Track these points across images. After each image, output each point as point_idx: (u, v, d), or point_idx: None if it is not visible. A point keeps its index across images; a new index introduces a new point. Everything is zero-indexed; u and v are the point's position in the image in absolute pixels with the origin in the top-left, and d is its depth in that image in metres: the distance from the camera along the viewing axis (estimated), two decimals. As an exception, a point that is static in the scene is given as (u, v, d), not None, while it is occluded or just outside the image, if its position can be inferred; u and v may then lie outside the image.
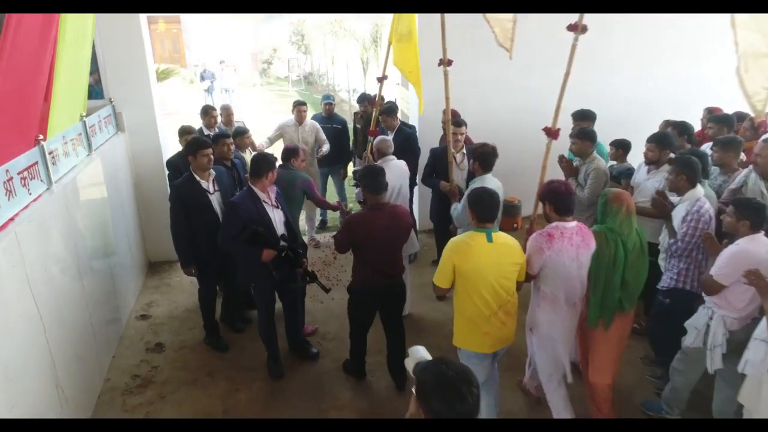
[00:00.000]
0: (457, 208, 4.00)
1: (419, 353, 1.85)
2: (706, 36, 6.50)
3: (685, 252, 3.27)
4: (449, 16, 5.01)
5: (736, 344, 2.84)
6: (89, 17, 3.99)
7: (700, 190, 3.34)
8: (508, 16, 4.46)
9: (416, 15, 5.00)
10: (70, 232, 3.54)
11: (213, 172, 3.89)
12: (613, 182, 4.45)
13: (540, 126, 5.41)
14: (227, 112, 5.79)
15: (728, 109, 5.01)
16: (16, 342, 2.64)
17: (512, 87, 6.19)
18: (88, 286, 3.73)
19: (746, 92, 2.96)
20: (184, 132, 4.65)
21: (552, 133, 3.85)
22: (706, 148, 4.45)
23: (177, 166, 4.33)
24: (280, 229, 3.66)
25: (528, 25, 5.80)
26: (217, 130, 5.25)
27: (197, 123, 5.41)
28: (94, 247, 4.00)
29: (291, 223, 3.78)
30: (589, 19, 5.17)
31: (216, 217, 3.85)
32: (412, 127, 5.63)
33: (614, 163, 4.66)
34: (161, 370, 4.06)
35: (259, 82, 24.19)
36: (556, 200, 3.00)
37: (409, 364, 1.77)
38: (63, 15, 3.41)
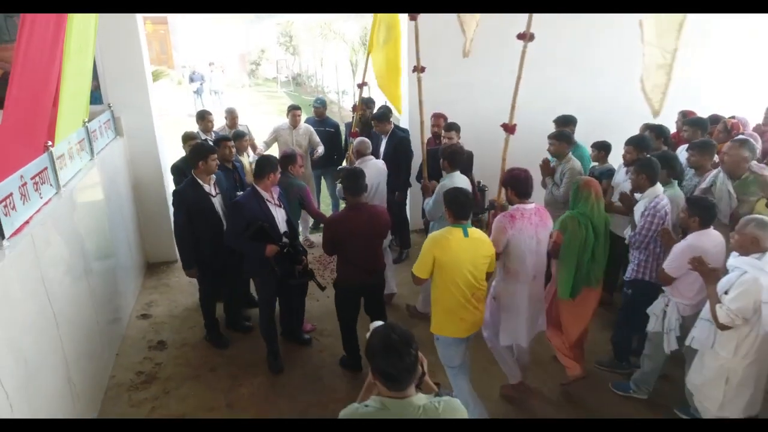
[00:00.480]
0: (429, 203, 4.30)
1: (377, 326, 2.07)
2: (685, 41, 6.79)
3: (642, 244, 3.57)
4: (441, 20, 5.20)
5: (687, 328, 3.15)
6: (92, 25, 4.11)
7: (659, 188, 3.62)
8: (477, 17, 4.68)
9: (401, 22, 5.21)
10: (77, 234, 3.67)
11: (213, 176, 4.06)
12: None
13: (527, 128, 5.63)
14: (232, 115, 5.94)
15: (703, 113, 5.28)
16: (34, 339, 2.79)
17: (501, 90, 6.39)
18: (93, 286, 3.86)
19: (647, 96, 3.45)
20: (188, 138, 4.78)
21: (509, 128, 4.19)
22: (682, 150, 4.71)
23: (182, 170, 4.45)
24: (282, 226, 3.86)
25: (516, 28, 6.04)
26: (212, 135, 5.40)
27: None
28: (97, 249, 4.14)
29: (292, 221, 3.99)
30: (574, 23, 5.40)
31: (219, 219, 4.01)
32: (405, 131, 5.83)
33: (596, 164, 4.89)
34: (164, 366, 4.21)
35: (248, 83, 24.22)
36: (517, 185, 3.38)
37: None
38: (69, 23, 3.53)
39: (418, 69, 4.75)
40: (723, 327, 2.76)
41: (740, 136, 4.10)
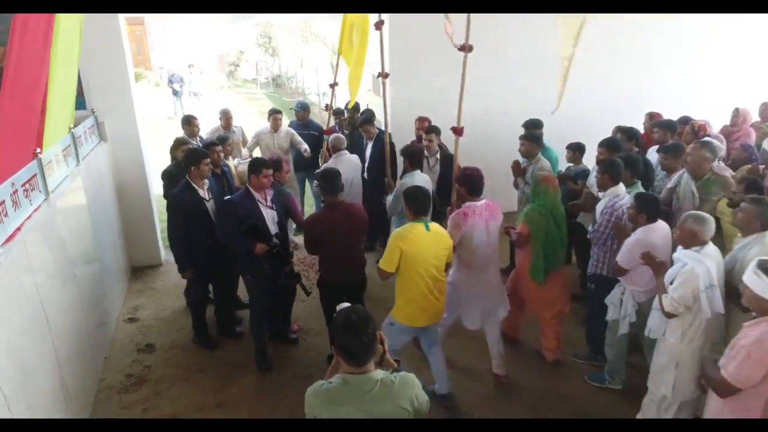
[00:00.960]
0: (389, 199, 4.60)
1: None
2: (657, 45, 7.07)
3: (600, 240, 3.81)
4: (423, 26, 5.35)
5: (645, 315, 3.38)
6: (77, 30, 4.12)
7: (621, 188, 3.84)
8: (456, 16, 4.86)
9: (369, 28, 5.40)
10: (65, 240, 3.71)
11: (207, 182, 4.14)
12: (570, 182, 4.89)
13: (504, 129, 5.80)
14: (227, 116, 6.00)
15: (673, 114, 5.51)
16: (29, 343, 2.85)
17: (479, 94, 6.56)
18: (81, 291, 3.90)
19: (558, 95, 4.06)
20: (180, 143, 4.82)
21: (458, 131, 4.43)
22: (652, 151, 4.93)
23: (174, 175, 4.50)
24: (272, 228, 3.97)
25: (492, 33, 6.21)
26: (198, 139, 5.46)
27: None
28: (84, 254, 4.17)
29: (284, 224, 4.10)
30: (549, 24, 5.55)
31: (212, 223, 4.08)
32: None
33: (571, 165, 5.08)
34: (154, 369, 4.26)
35: (227, 84, 24.04)
36: (469, 183, 3.70)
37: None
38: (56, 28, 3.55)
39: (383, 75, 4.95)
40: (669, 315, 2.98)
41: (704, 138, 4.32)
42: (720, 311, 2.89)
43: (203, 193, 4.09)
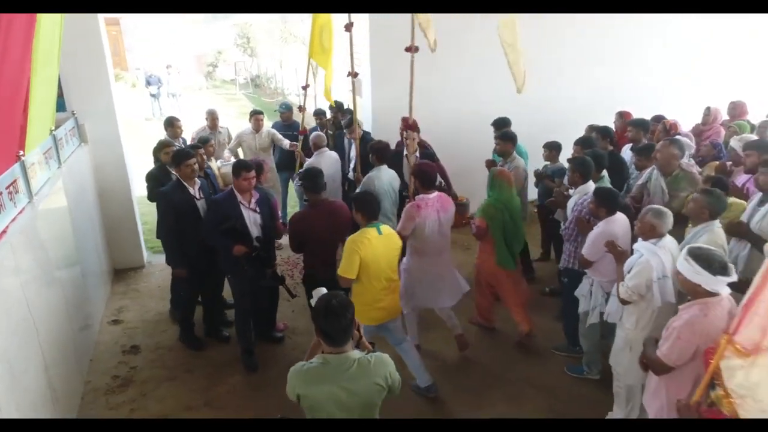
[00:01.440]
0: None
1: (321, 293, 2.35)
2: (633, 45, 7.28)
3: (571, 236, 3.96)
4: (403, 27, 5.44)
5: None
6: (57, 32, 4.10)
7: (590, 185, 3.99)
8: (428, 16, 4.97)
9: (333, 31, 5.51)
10: (49, 242, 3.70)
11: (198, 181, 4.17)
12: (547, 180, 5.04)
13: (484, 129, 5.93)
14: (212, 116, 6.00)
15: (646, 113, 5.70)
16: (18, 345, 2.86)
17: (459, 94, 6.71)
18: (65, 294, 3.89)
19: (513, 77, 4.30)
20: (164, 145, 4.82)
21: (411, 126, 4.74)
22: (626, 148, 5.11)
23: (157, 177, 4.52)
24: (254, 230, 3.99)
25: (471, 36, 6.33)
26: (181, 140, 5.46)
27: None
28: (68, 256, 4.16)
29: (267, 228, 4.11)
30: (532, 29, 5.75)
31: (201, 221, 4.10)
32: (369, 134, 6.05)
33: (548, 163, 5.23)
34: (140, 370, 4.27)
35: (205, 85, 23.81)
36: (423, 177, 3.96)
37: (314, 302, 2.30)
38: (36, 29, 3.53)
39: (352, 74, 5.06)
40: (623, 302, 3.14)
41: (675, 136, 4.50)
42: (671, 300, 3.04)
43: (194, 191, 4.12)
